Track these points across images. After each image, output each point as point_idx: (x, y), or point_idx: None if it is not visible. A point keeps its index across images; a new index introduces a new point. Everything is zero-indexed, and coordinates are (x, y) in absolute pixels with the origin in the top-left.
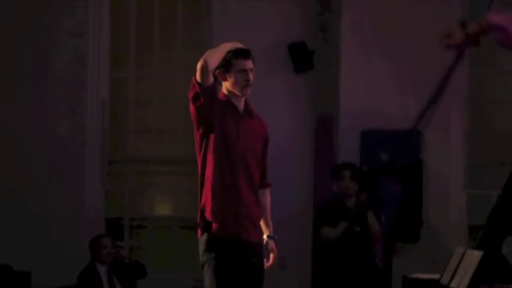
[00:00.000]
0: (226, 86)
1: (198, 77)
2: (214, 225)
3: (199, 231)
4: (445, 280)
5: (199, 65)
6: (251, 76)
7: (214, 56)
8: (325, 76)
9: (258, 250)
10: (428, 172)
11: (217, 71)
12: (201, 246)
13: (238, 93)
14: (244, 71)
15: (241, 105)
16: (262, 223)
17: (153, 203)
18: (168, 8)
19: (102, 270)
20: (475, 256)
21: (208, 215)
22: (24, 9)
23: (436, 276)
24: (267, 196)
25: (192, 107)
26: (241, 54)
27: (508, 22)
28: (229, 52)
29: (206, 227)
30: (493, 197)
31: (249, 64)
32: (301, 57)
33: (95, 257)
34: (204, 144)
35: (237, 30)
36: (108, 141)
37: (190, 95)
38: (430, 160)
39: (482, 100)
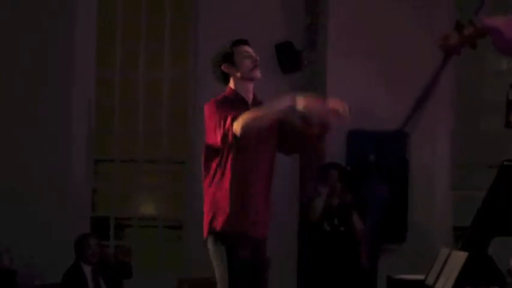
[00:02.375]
0: (234, 77)
1: (239, 131)
2: (222, 222)
3: (205, 230)
4: (430, 281)
5: (243, 123)
6: (256, 60)
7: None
8: (311, 77)
9: (263, 247)
10: (414, 173)
11: (222, 66)
12: (211, 242)
13: (248, 77)
14: (247, 52)
15: (250, 97)
16: None
17: (139, 203)
18: (154, 10)
19: (87, 269)
20: (460, 257)
21: (220, 216)
22: (20, 10)
23: (421, 276)
24: None
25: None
26: (239, 41)
27: (503, 25)
28: (226, 44)
29: (214, 226)
30: (478, 198)
31: (249, 49)
32: (288, 58)
33: (80, 256)
34: (218, 150)
35: (223, 31)
36: (95, 140)
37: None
38: (416, 161)
39: (468, 101)
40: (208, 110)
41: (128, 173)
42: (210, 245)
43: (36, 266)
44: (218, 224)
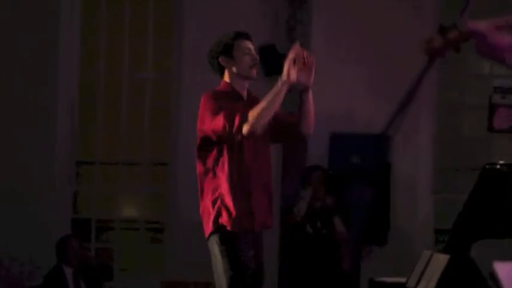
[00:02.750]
0: (230, 71)
1: (249, 131)
2: (226, 220)
3: (210, 227)
4: (411, 283)
5: (251, 121)
6: (255, 57)
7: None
8: None
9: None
10: (396, 176)
11: (219, 57)
12: (216, 240)
13: (245, 75)
14: (248, 49)
15: (244, 93)
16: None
17: (121, 205)
18: (138, 11)
19: (68, 271)
20: (441, 260)
21: (224, 213)
22: (2, 10)
23: (402, 279)
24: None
25: (211, 130)
26: (241, 35)
27: (487, 29)
28: (227, 35)
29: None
30: (460, 202)
31: (250, 45)
32: (271, 61)
33: (62, 258)
34: (211, 146)
35: (207, 32)
36: (77, 142)
37: (219, 125)
38: (399, 164)
39: (450, 105)
40: (205, 102)
41: (110, 174)
42: (214, 242)
43: (17, 268)
44: (225, 222)
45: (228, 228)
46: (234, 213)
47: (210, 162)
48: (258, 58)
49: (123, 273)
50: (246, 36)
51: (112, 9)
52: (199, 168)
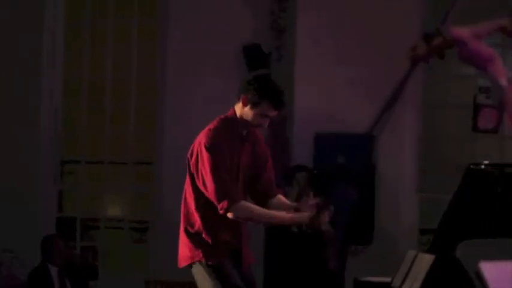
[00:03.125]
0: (241, 110)
1: (231, 215)
2: (208, 254)
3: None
4: (396, 283)
5: (241, 215)
6: (267, 123)
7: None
8: (279, 79)
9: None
10: (381, 175)
11: (245, 94)
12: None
13: (246, 125)
14: (266, 116)
15: (245, 131)
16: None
17: (106, 204)
18: (122, 12)
19: (53, 270)
20: (426, 260)
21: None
22: None
23: (387, 279)
24: (280, 198)
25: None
26: (275, 102)
27: (469, 37)
28: (267, 91)
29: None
30: (445, 201)
31: (275, 113)
32: (256, 60)
33: (47, 257)
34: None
35: (192, 32)
36: (62, 141)
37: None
38: (383, 164)
39: (435, 105)
40: (203, 148)
41: (95, 174)
42: (196, 272)
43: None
44: (204, 255)
45: (209, 262)
46: (214, 250)
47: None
48: (266, 127)
49: (108, 272)
50: (279, 106)
51: (96, 11)
52: (188, 192)
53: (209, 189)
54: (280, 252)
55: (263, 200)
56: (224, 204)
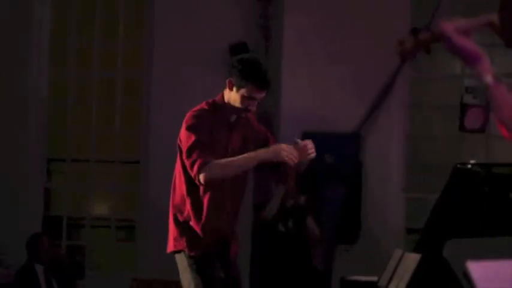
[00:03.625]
0: (228, 94)
1: (203, 176)
2: (193, 243)
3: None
4: (383, 282)
5: (210, 175)
6: (255, 106)
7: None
8: None
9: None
10: (367, 175)
11: (232, 77)
12: (180, 260)
13: (233, 109)
14: (253, 98)
15: (234, 117)
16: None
17: (93, 203)
18: (109, 8)
19: (39, 269)
20: (413, 259)
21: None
22: None
23: (374, 278)
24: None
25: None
26: (259, 83)
27: (454, 32)
28: (250, 72)
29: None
30: (431, 201)
31: (261, 95)
32: None
33: (33, 256)
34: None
35: (178, 32)
36: (49, 139)
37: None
38: (370, 163)
39: (422, 104)
40: (185, 129)
41: (82, 172)
42: (178, 261)
43: None
44: (187, 245)
45: (193, 251)
46: (201, 238)
47: (187, 179)
48: (254, 110)
49: (95, 270)
50: (264, 86)
51: (83, 8)
52: (177, 178)
53: (184, 156)
54: (267, 252)
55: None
56: (195, 168)
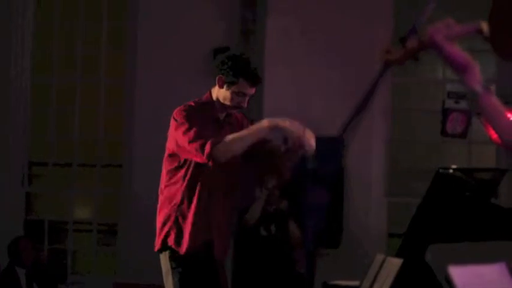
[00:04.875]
0: (218, 92)
1: (221, 158)
2: (180, 242)
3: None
4: (364, 287)
5: (222, 153)
6: (246, 102)
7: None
8: None
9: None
10: (350, 179)
11: (221, 75)
12: (165, 259)
13: (224, 108)
14: (244, 94)
15: (223, 115)
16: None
17: (75, 206)
18: (92, 13)
19: (21, 273)
20: (395, 264)
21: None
22: None
23: (355, 282)
24: None
25: (182, 148)
26: (251, 79)
27: (444, 41)
28: (241, 68)
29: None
30: (413, 205)
31: (252, 91)
32: None
33: (14, 260)
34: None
35: (162, 35)
36: (30, 143)
37: (194, 152)
38: (352, 167)
39: (404, 109)
40: (177, 122)
41: (64, 176)
42: (163, 260)
43: None
44: (175, 242)
45: (180, 250)
46: (190, 237)
47: (176, 177)
48: (245, 106)
49: (77, 274)
50: (255, 82)
51: (65, 11)
52: (164, 178)
53: (188, 147)
54: (249, 256)
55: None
56: (207, 148)
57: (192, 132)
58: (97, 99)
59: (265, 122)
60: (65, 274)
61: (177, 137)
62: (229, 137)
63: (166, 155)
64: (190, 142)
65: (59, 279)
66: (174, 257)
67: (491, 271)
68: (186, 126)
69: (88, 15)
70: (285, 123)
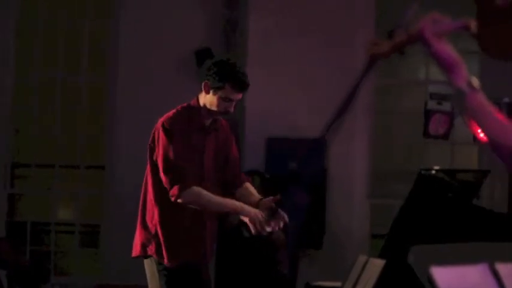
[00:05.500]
0: (204, 98)
1: (181, 201)
2: (164, 253)
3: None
4: None
5: (188, 201)
6: (232, 107)
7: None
8: None
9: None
10: (332, 180)
11: (207, 80)
12: (150, 265)
13: (210, 113)
14: (231, 100)
15: (209, 121)
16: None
17: (57, 208)
18: (74, 11)
19: (2, 274)
20: (377, 265)
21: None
22: None
23: (338, 284)
24: (247, 187)
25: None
26: (238, 84)
27: (432, 38)
28: (228, 73)
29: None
30: (396, 207)
31: (238, 96)
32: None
33: None
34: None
35: (144, 35)
36: (13, 144)
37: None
38: (335, 169)
39: (386, 110)
40: (163, 138)
41: (46, 177)
42: (146, 266)
43: None
44: (155, 251)
45: (165, 262)
46: (175, 248)
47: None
48: (232, 111)
49: (59, 276)
50: (242, 88)
51: (48, 10)
52: (151, 183)
53: (162, 172)
54: (232, 257)
55: (230, 189)
56: (175, 189)
57: (171, 158)
58: (79, 99)
59: (238, 207)
60: (48, 275)
61: (158, 153)
62: (202, 192)
63: (149, 157)
64: (165, 172)
65: (41, 281)
66: (159, 261)
67: (474, 272)
68: (169, 147)
69: (70, 14)
70: (249, 215)
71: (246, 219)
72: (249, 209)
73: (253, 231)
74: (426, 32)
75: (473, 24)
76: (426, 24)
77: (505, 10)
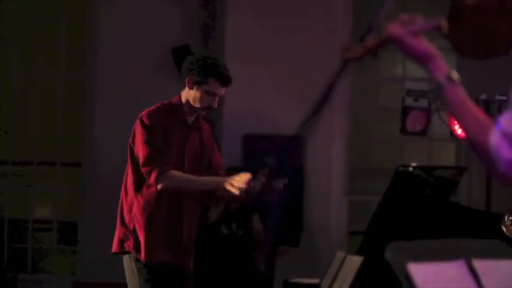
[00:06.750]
0: (187, 94)
1: (161, 186)
2: (142, 248)
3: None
4: (325, 285)
5: (167, 185)
6: (217, 102)
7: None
8: None
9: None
10: (309, 177)
11: (190, 76)
12: (128, 262)
13: (194, 109)
14: (214, 94)
15: (191, 118)
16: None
17: (34, 205)
18: (51, 8)
19: None
20: (355, 261)
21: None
22: None
23: (315, 280)
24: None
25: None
26: (222, 78)
27: (405, 34)
28: (211, 67)
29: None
30: (373, 203)
31: (222, 91)
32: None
33: None
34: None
35: (121, 32)
36: None
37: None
38: (312, 165)
39: (363, 107)
40: (141, 130)
41: (23, 174)
42: (125, 263)
43: None
44: (133, 248)
45: (141, 257)
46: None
47: (140, 179)
48: (215, 107)
49: (37, 273)
50: (226, 82)
51: (24, 6)
52: (130, 176)
53: (141, 165)
54: (210, 255)
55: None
56: (153, 176)
57: (148, 150)
58: (57, 96)
59: (219, 180)
60: (6, 275)
61: (137, 146)
62: (180, 173)
63: (129, 154)
64: (144, 164)
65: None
66: (137, 258)
67: (451, 268)
68: (147, 139)
69: (47, 10)
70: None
71: (229, 187)
72: (228, 178)
73: (237, 192)
74: (395, 32)
75: (444, 24)
76: (395, 26)
77: (475, 9)
